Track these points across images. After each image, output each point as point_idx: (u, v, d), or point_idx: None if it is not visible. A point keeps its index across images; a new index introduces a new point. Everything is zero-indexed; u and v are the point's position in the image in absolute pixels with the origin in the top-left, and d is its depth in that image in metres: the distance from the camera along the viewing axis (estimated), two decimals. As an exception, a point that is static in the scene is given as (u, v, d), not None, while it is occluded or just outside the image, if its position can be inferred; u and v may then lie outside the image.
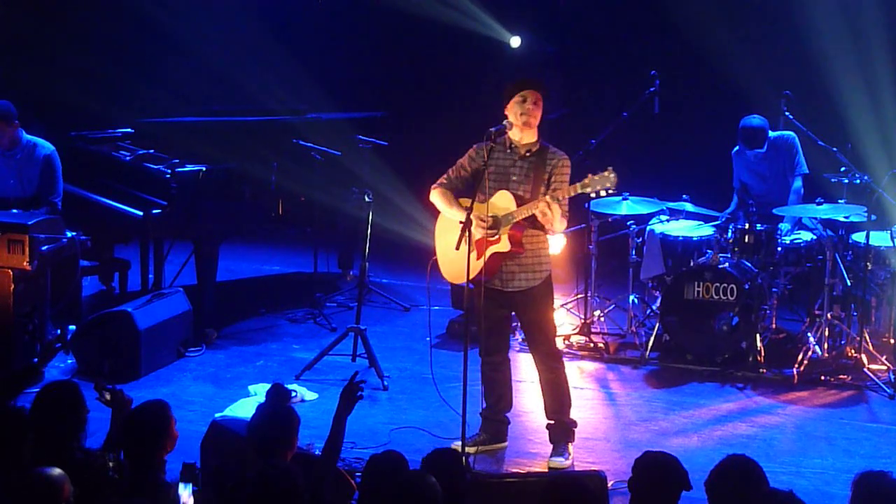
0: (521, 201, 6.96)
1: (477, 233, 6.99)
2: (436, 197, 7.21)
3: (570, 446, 7.31)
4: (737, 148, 9.55)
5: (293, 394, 6.14)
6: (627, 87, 9.96)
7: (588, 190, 6.88)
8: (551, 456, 7.25)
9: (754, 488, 4.91)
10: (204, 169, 9.35)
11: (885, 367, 8.66)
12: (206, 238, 9.37)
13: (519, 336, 8.83)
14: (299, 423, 5.61)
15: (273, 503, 4.79)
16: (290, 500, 4.81)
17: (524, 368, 8.27)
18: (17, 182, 8.89)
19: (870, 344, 8.75)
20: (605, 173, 6.82)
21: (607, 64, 11.93)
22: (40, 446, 5.22)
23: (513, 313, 7.36)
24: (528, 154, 7.05)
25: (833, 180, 9.00)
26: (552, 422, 7.31)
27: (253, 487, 4.82)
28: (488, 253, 7.01)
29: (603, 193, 6.92)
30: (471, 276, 7.09)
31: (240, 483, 5.07)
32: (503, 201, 6.99)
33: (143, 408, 5.50)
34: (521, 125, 7.02)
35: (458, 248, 6.92)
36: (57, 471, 4.71)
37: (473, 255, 7.00)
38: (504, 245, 7.00)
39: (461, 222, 6.89)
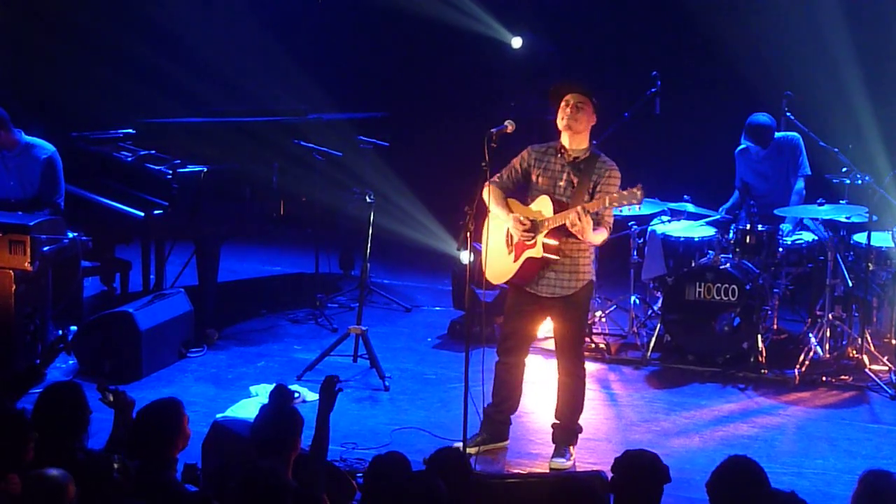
0: (561, 207, 6.90)
1: (515, 235, 7.01)
2: (487, 194, 7.11)
3: (573, 448, 7.30)
4: (740, 147, 9.54)
5: (296, 395, 6.13)
6: (629, 87, 9.95)
7: (616, 205, 6.85)
8: (553, 457, 7.24)
9: (756, 489, 4.91)
10: (205, 169, 9.33)
11: (886, 368, 8.66)
12: (208, 238, 9.36)
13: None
14: (303, 423, 5.61)
15: (259, 503, 4.80)
16: (276, 500, 4.81)
17: (529, 369, 8.24)
18: (18, 184, 8.88)
19: (871, 345, 8.75)
20: (634, 190, 6.77)
21: (608, 64, 11.93)
22: (42, 447, 5.22)
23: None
24: (576, 160, 7.01)
25: (835, 181, 9.00)
26: (558, 422, 7.30)
27: (240, 488, 4.83)
28: (523, 257, 7.01)
29: (629, 209, 6.90)
30: (506, 279, 7.11)
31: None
32: (543, 206, 6.96)
33: (155, 405, 5.49)
34: (563, 129, 6.99)
35: (458, 249, 6.95)
36: (61, 471, 4.72)
37: (512, 255, 7.05)
38: (538, 251, 6.96)
39: (461, 223, 6.89)
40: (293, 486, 5.14)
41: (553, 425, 7.32)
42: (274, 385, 5.86)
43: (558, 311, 7.11)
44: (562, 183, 7.00)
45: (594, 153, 7.04)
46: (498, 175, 7.17)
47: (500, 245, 7.14)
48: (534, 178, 7.05)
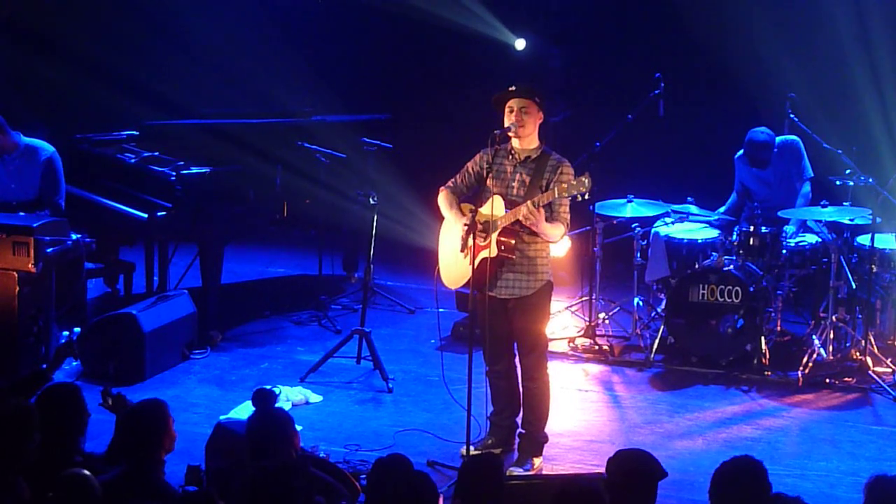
0: (514, 207, 6.91)
1: (469, 237, 6.97)
2: (441, 199, 7.22)
3: (537, 460, 7.18)
4: (740, 153, 9.53)
5: (277, 392, 6.12)
6: (632, 89, 9.95)
7: (564, 195, 6.85)
8: (513, 465, 7.11)
9: (759, 490, 4.90)
10: (209, 171, 9.34)
11: (889, 370, 8.65)
12: (211, 240, 9.36)
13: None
14: (292, 421, 5.63)
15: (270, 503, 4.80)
16: (287, 501, 4.81)
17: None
18: (19, 186, 8.88)
19: (874, 346, 8.75)
20: (582, 178, 6.81)
21: (612, 66, 11.92)
22: (39, 449, 5.21)
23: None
24: (527, 160, 7.03)
25: (838, 183, 8.98)
26: (524, 432, 7.21)
27: (249, 489, 4.83)
28: (478, 258, 6.98)
29: (579, 198, 6.90)
30: (463, 283, 7.11)
31: (242, 485, 5.08)
32: (495, 207, 6.95)
33: (139, 407, 5.47)
34: (512, 135, 6.99)
35: (462, 251, 6.95)
36: (85, 471, 4.75)
37: (468, 259, 7.01)
38: (492, 250, 6.95)
39: (465, 224, 6.90)
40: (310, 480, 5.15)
41: (519, 434, 7.25)
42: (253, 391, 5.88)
43: (518, 312, 7.05)
44: (514, 184, 7.00)
45: (545, 152, 7.04)
46: (452, 180, 7.20)
47: (454, 250, 7.11)
48: (487, 180, 7.01)
